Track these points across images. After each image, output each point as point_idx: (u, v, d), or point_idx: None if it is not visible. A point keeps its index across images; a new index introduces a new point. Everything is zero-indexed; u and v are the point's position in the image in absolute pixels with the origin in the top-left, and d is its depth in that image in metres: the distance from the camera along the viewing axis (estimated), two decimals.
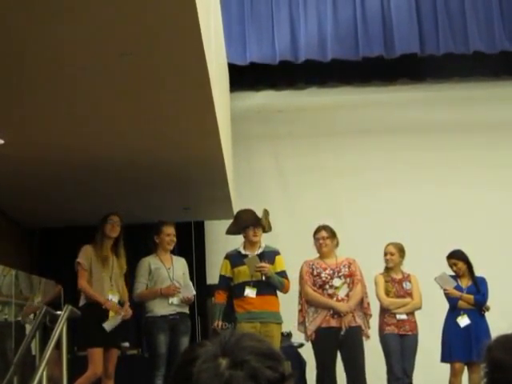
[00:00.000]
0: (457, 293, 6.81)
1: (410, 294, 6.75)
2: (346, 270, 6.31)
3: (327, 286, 6.24)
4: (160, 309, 6.30)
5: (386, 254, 6.84)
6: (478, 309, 6.80)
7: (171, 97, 4.67)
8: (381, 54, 9.38)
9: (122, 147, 5.81)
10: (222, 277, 6.37)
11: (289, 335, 7.46)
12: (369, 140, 9.66)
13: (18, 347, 5.20)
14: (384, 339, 6.64)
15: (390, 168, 9.52)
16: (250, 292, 6.13)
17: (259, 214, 6.39)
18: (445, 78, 9.97)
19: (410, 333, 6.64)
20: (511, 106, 9.77)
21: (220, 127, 5.49)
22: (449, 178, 9.48)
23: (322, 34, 9.37)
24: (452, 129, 9.70)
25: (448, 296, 6.84)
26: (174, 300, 6.31)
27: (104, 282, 6.03)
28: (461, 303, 6.80)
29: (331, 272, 6.28)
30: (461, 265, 6.89)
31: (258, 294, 6.14)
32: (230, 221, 6.73)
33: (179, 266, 6.55)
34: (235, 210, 7.79)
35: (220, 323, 6.15)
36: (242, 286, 6.19)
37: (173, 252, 6.68)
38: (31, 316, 5.92)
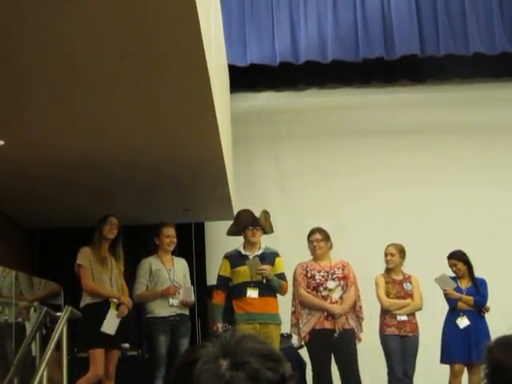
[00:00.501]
0: (456, 294, 6.81)
1: (410, 295, 6.75)
2: (340, 272, 6.32)
3: (321, 288, 6.25)
4: (160, 310, 6.30)
5: (386, 255, 6.84)
6: (478, 310, 6.80)
7: (172, 98, 4.68)
8: (381, 55, 9.38)
9: (123, 149, 5.81)
10: (220, 277, 6.37)
11: (289, 336, 7.46)
12: (369, 141, 9.66)
13: (18, 348, 5.20)
14: (385, 340, 6.64)
15: (390, 169, 9.52)
16: (252, 293, 6.14)
17: (259, 214, 6.40)
18: (445, 80, 9.97)
19: (410, 334, 6.64)
20: (511, 107, 9.77)
21: (220, 128, 5.49)
22: (449, 179, 9.48)
23: (322, 35, 9.38)
24: (452, 130, 9.70)
25: (447, 297, 6.84)
26: (175, 301, 6.31)
27: (105, 283, 6.03)
28: (460, 304, 6.80)
29: (325, 274, 6.29)
30: (460, 265, 6.89)
31: (258, 295, 6.14)
32: (230, 222, 6.74)
33: (180, 268, 6.55)
34: (235, 211, 7.79)
35: (220, 325, 6.14)
36: (241, 287, 6.19)
37: (173, 253, 6.68)
38: (31, 316, 5.92)
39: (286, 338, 7.31)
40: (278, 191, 9.67)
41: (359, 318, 6.33)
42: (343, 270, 6.35)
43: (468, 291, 6.85)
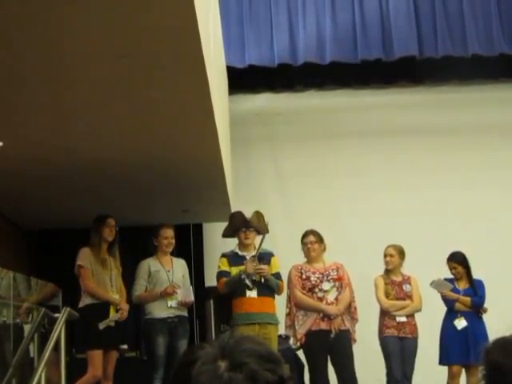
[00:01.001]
0: (454, 295, 6.81)
1: (409, 297, 6.75)
2: (335, 273, 6.33)
3: (317, 290, 6.26)
4: (159, 311, 6.30)
5: (385, 256, 6.84)
6: (476, 311, 6.80)
7: (170, 99, 4.68)
8: (379, 56, 9.38)
9: (121, 150, 5.81)
10: (221, 271, 6.29)
11: (287, 338, 7.45)
12: (368, 142, 9.66)
13: (16, 349, 5.19)
14: (384, 342, 6.64)
15: (388, 170, 9.52)
16: (251, 292, 6.14)
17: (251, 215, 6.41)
18: (443, 81, 9.98)
19: (409, 335, 6.63)
20: (510, 108, 9.78)
21: (219, 129, 5.49)
22: (448, 180, 9.48)
23: (320, 36, 9.38)
24: (451, 131, 9.70)
25: (445, 298, 6.85)
26: (173, 303, 6.31)
27: (105, 284, 6.03)
28: (458, 305, 6.80)
29: (320, 276, 6.30)
30: (460, 269, 6.90)
31: (257, 294, 6.15)
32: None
33: (179, 269, 6.55)
34: (233, 212, 7.80)
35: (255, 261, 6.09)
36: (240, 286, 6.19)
37: (172, 254, 6.68)
38: (29, 317, 5.92)
39: (284, 339, 7.31)
40: (277, 192, 9.67)
41: (354, 320, 6.33)
42: (338, 271, 6.35)
43: (465, 292, 6.86)
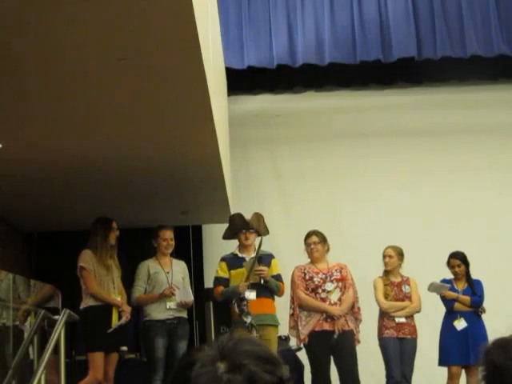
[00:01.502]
0: (454, 294, 6.82)
1: (409, 298, 6.75)
2: (338, 274, 6.33)
3: (320, 290, 6.25)
4: (158, 313, 6.30)
5: (384, 257, 6.84)
6: (475, 310, 6.80)
7: (169, 101, 4.68)
8: (378, 57, 9.39)
9: (121, 152, 5.81)
10: (219, 278, 6.34)
11: (287, 339, 7.45)
12: (367, 143, 9.67)
13: (16, 351, 5.19)
14: (383, 343, 6.64)
15: (388, 171, 9.53)
16: (250, 294, 6.14)
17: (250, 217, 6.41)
18: (442, 82, 9.99)
19: (409, 336, 6.63)
20: (509, 109, 9.79)
21: (218, 131, 5.49)
22: (447, 181, 9.49)
23: (319, 37, 9.38)
24: (450, 132, 9.71)
25: (444, 299, 6.85)
26: (172, 304, 6.31)
27: (108, 286, 6.02)
28: (457, 305, 6.81)
29: (323, 276, 6.30)
30: (463, 267, 6.90)
31: (256, 296, 6.15)
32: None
33: (178, 270, 6.55)
34: (233, 213, 7.79)
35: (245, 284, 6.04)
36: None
37: (171, 255, 6.67)
38: (28, 319, 5.91)
39: (283, 340, 7.31)
40: (276, 193, 9.68)
41: (357, 320, 6.33)
42: (341, 271, 6.35)
43: (464, 292, 6.86)
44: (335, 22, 9.42)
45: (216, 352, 1.23)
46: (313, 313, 6.22)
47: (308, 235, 6.45)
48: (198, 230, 9.37)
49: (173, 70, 4.10)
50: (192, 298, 6.48)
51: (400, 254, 6.84)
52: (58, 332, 4.94)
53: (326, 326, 6.16)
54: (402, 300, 6.73)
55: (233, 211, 7.69)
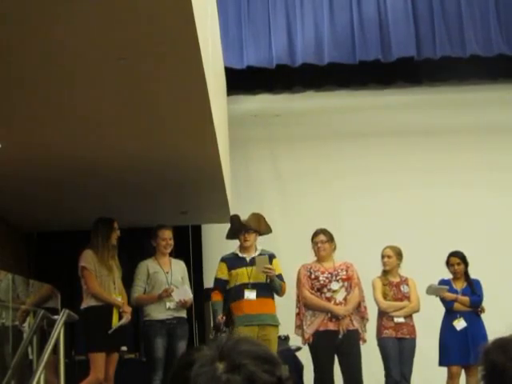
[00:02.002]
0: (452, 295, 6.82)
1: (407, 298, 6.75)
2: (344, 273, 6.32)
3: (325, 290, 6.25)
4: (157, 313, 6.30)
5: (383, 257, 6.84)
6: (474, 310, 6.80)
7: (168, 101, 4.68)
8: (377, 57, 9.38)
9: (120, 152, 5.81)
10: (218, 279, 6.39)
11: (286, 339, 7.45)
12: (366, 143, 9.67)
13: (15, 351, 5.19)
14: (382, 343, 6.64)
15: (387, 171, 9.53)
16: (249, 294, 6.15)
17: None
18: (442, 82, 9.99)
19: (407, 336, 6.63)
20: (508, 109, 9.78)
21: (217, 131, 5.49)
22: (446, 181, 9.49)
23: (318, 37, 9.38)
24: (449, 132, 9.71)
25: (443, 299, 6.85)
26: (171, 304, 6.31)
27: (109, 286, 6.02)
28: (457, 305, 6.81)
29: (329, 275, 6.29)
30: (462, 266, 6.91)
31: (256, 296, 6.16)
32: (227, 225, 6.76)
33: (178, 270, 6.55)
34: (232, 213, 7.79)
35: (221, 316, 6.15)
36: (240, 289, 6.21)
37: (170, 255, 6.67)
38: (27, 319, 5.91)
39: (283, 340, 7.31)
40: (276, 193, 9.68)
41: (364, 319, 6.33)
42: (347, 271, 6.34)
43: (463, 292, 6.87)
44: (334, 22, 9.41)
45: (215, 352, 1.23)
46: (318, 312, 6.22)
47: (315, 234, 6.44)
48: (197, 230, 9.37)
49: (172, 69, 4.10)
50: (191, 296, 6.48)
51: (399, 254, 6.84)
52: (58, 332, 4.93)
53: (331, 326, 6.15)
54: (401, 300, 6.73)
55: (232, 211, 7.69)
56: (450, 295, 6.81)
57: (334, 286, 6.26)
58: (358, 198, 9.44)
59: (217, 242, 8.77)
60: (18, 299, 6.08)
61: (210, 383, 1.19)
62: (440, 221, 9.29)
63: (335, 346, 6.12)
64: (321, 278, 6.28)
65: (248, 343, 1.25)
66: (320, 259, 6.41)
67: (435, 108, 9.85)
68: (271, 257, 6.39)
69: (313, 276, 6.31)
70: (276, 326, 6.28)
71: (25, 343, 5.26)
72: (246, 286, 6.20)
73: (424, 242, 8.91)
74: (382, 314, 6.68)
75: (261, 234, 6.47)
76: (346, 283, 6.29)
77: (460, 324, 6.73)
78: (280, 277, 6.35)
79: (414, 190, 9.47)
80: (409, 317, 6.71)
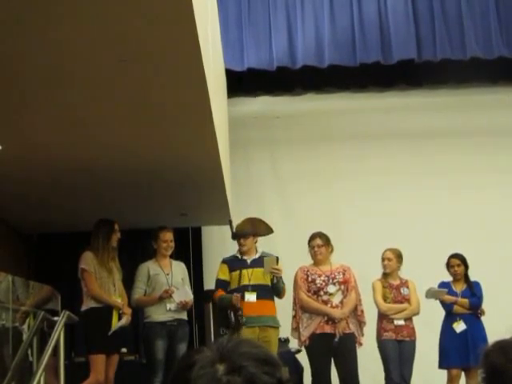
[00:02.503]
0: (452, 298, 6.83)
1: (407, 300, 6.75)
2: (341, 276, 6.32)
3: (322, 293, 6.25)
4: (158, 315, 6.30)
5: (383, 260, 6.84)
6: (474, 312, 6.80)
7: (169, 103, 4.68)
8: (378, 59, 9.39)
9: (121, 154, 5.81)
10: (219, 280, 6.38)
11: (286, 341, 7.45)
12: (366, 145, 9.66)
13: (15, 353, 5.18)
14: (382, 345, 6.64)
15: (387, 173, 9.53)
16: (250, 297, 6.15)
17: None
18: (442, 84, 9.99)
19: (407, 339, 6.63)
20: (509, 111, 9.79)
21: (217, 133, 5.49)
22: (446, 183, 9.49)
23: (319, 39, 9.39)
24: (449, 134, 9.71)
25: (443, 302, 6.85)
26: (172, 306, 6.30)
27: (109, 288, 6.02)
28: (456, 308, 6.81)
29: (326, 278, 6.29)
30: (462, 268, 6.91)
31: (256, 298, 6.16)
32: (228, 226, 6.77)
33: (178, 272, 6.55)
34: (232, 215, 7.79)
35: (237, 296, 6.08)
36: (239, 291, 6.20)
37: (171, 257, 6.67)
38: (26, 321, 5.90)
39: (283, 342, 7.31)
40: (276, 195, 9.67)
41: (361, 323, 6.33)
42: (344, 274, 6.35)
43: (463, 294, 6.87)
44: (335, 24, 9.42)
45: (215, 354, 1.23)
46: (314, 315, 6.22)
47: (312, 237, 6.45)
48: (197, 232, 9.36)
49: (173, 71, 4.10)
50: (191, 297, 6.47)
51: (399, 257, 6.84)
52: (58, 334, 4.93)
53: (327, 329, 6.15)
54: (401, 302, 6.73)
55: (232, 213, 7.70)
56: (449, 298, 6.82)
57: (331, 289, 6.26)
58: (358, 200, 9.44)
59: (217, 244, 8.78)
60: (18, 300, 6.07)
61: None
62: (440, 222, 9.29)
63: (331, 348, 6.12)
64: (317, 281, 6.28)
65: (248, 345, 1.25)
66: (317, 263, 6.41)
67: (435, 110, 9.85)
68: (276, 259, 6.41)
69: (310, 279, 6.31)
70: (277, 327, 6.28)
71: (25, 345, 5.25)
72: (246, 288, 6.19)
73: (424, 243, 8.91)
74: (382, 317, 6.68)
75: (260, 236, 6.48)
76: (342, 286, 6.29)
77: (460, 326, 6.73)
78: (281, 279, 6.36)
79: (414, 192, 9.48)
80: (409, 319, 6.71)
